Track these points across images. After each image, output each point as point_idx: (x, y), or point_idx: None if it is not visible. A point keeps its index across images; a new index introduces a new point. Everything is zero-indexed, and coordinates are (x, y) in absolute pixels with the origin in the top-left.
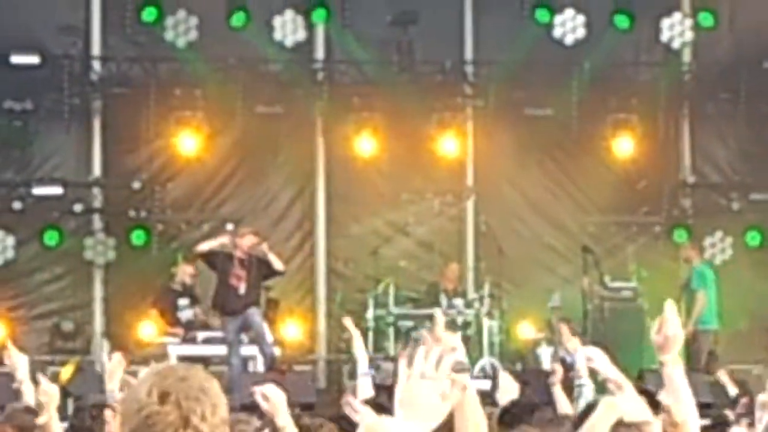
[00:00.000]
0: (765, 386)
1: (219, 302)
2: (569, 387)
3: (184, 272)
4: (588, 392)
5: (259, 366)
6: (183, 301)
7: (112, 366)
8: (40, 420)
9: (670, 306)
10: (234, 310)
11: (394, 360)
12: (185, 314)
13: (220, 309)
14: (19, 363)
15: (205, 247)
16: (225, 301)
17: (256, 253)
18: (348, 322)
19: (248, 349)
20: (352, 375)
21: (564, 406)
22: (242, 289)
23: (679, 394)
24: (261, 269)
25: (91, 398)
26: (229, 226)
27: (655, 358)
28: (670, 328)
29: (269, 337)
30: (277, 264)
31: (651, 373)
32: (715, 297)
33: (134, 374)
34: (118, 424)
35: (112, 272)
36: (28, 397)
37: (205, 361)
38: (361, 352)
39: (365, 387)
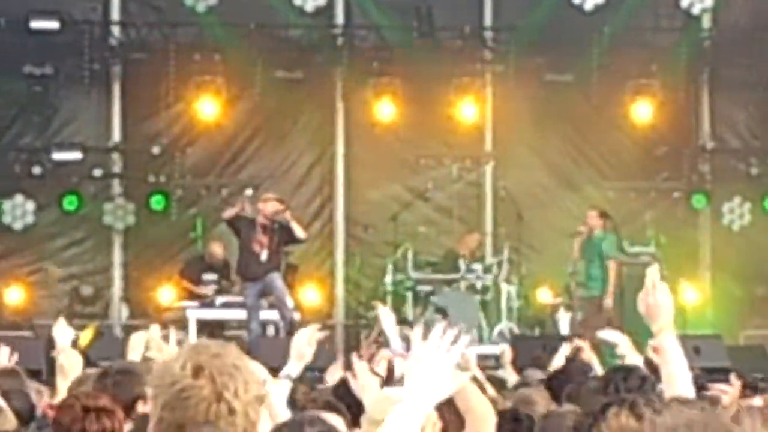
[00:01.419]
0: None
1: (241, 267)
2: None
3: (214, 249)
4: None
5: (279, 331)
6: (209, 276)
7: (135, 341)
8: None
9: (653, 273)
10: (255, 275)
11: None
12: (208, 289)
13: (241, 274)
14: (62, 333)
15: (230, 213)
16: (247, 267)
17: (279, 219)
18: (379, 306)
19: (267, 314)
20: (375, 339)
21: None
22: (264, 255)
23: (671, 362)
24: (283, 236)
25: (117, 364)
26: (249, 192)
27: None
28: (654, 295)
29: (290, 302)
30: (299, 232)
31: None
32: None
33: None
34: (150, 397)
35: (131, 237)
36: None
37: (223, 325)
38: (391, 330)
39: (399, 365)
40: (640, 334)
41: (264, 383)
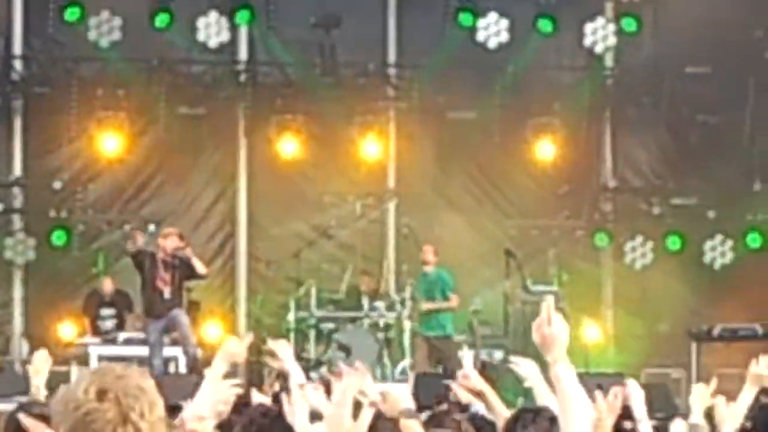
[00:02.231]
0: (683, 389)
1: (144, 305)
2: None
3: (104, 285)
4: None
5: (181, 367)
6: (106, 311)
7: (38, 361)
8: None
9: (547, 304)
10: (159, 312)
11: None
12: (106, 324)
13: (145, 311)
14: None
15: (133, 246)
16: (151, 304)
17: (179, 255)
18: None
19: (169, 350)
20: (278, 377)
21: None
22: (167, 292)
23: (566, 391)
24: (184, 271)
25: (26, 403)
26: (151, 227)
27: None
28: (548, 326)
29: (193, 339)
30: (200, 268)
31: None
32: None
33: (57, 374)
34: (54, 423)
35: (31, 272)
36: None
37: (125, 361)
38: (291, 363)
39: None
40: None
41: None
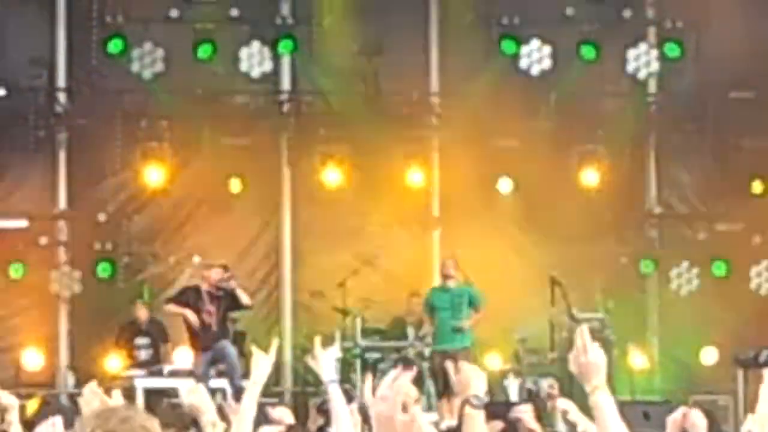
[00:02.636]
0: (730, 416)
1: (192, 338)
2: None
3: (138, 313)
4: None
5: (228, 399)
6: (141, 340)
7: (88, 396)
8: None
9: (582, 333)
10: (207, 345)
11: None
12: (141, 354)
13: (192, 345)
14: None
15: (172, 293)
16: (197, 337)
17: (224, 286)
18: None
19: (215, 383)
20: (320, 407)
21: None
22: (214, 324)
23: (606, 420)
24: (229, 303)
25: None
26: (196, 259)
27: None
28: (586, 355)
29: (239, 370)
30: (245, 299)
31: (622, 405)
32: None
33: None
34: None
35: (77, 305)
36: None
37: (171, 394)
38: (327, 360)
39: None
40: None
41: None
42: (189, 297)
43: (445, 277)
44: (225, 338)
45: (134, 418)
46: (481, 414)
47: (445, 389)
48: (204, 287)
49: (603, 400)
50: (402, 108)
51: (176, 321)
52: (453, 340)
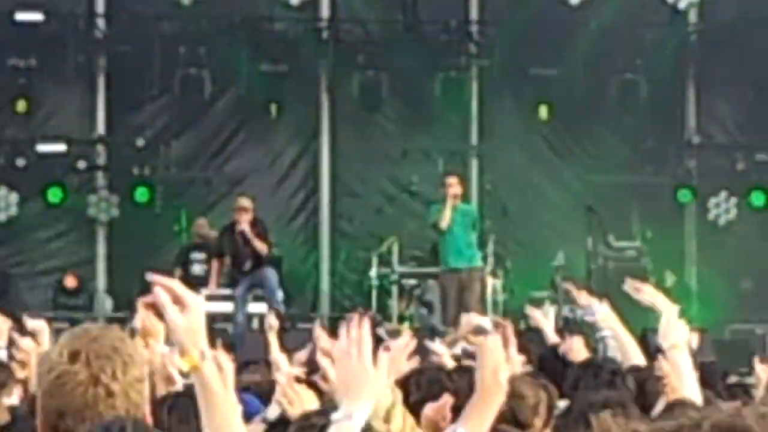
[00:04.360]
0: (767, 345)
1: (235, 265)
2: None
3: (200, 224)
4: (612, 342)
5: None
6: (197, 255)
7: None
8: (21, 375)
9: (672, 310)
10: (249, 268)
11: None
12: (196, 268)
13: (233, 265)
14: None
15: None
16: (241, 264)
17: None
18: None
19: (254, 307)
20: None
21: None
22: (252, 257)
23: (680, 376)
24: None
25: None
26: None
27: (658, 317)
28: (667, 323)
29: (280, 295)
30: (261, 248)
31: (654, 333)
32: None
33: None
34: (35, 385)
35: (115, 229)
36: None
37: (208, 317)
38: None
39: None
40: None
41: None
42: (224, 243)
43: (454, 196)
44: (267, 264)
45: (104, 337)
46: (497, 338)
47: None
48: (238, 228)
49: (681, 356)
50: (440, 36)
51: None
52: (465, 258)
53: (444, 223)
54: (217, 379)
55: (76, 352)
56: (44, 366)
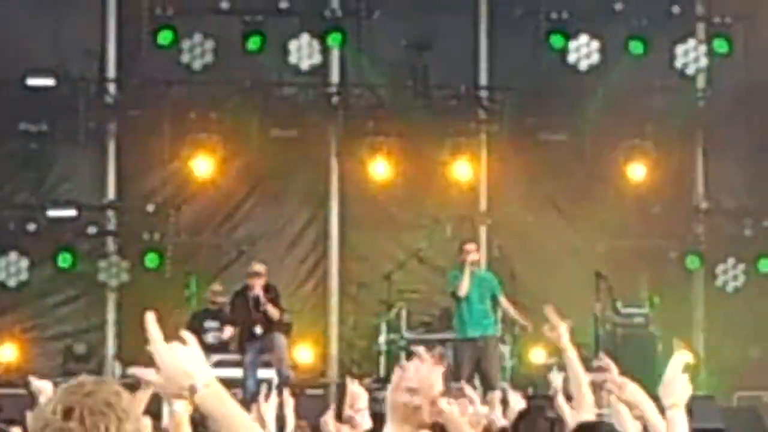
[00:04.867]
0: None
1: (244, 333)
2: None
3: (215, 289)
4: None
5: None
6: (211, 323)
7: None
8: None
9: (679, 359)
10: (257, 335)
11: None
12: (209, 337)
13: (242, 334)
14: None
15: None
16: (250, 331)
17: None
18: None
19: (263, 372)
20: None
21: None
22: (262, 324)
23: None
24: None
25: None
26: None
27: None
28: (668, 377)
29: (287, 360)
30: (273, 314)
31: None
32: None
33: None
34: None
35: (125, 295)
36: None
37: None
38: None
39: None
40: None
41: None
42: (237, 310)
43: (472, 263)
44: (276, 330)
45: (99, 392)
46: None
47: (469, 380)
48: (251, 295)
49: (678, 416)
50: (450, 101)
51: None
52: (482, 327)
53: (463, 291)
54: (218, 401)
55: (70, 408)
56: (39, 422)
